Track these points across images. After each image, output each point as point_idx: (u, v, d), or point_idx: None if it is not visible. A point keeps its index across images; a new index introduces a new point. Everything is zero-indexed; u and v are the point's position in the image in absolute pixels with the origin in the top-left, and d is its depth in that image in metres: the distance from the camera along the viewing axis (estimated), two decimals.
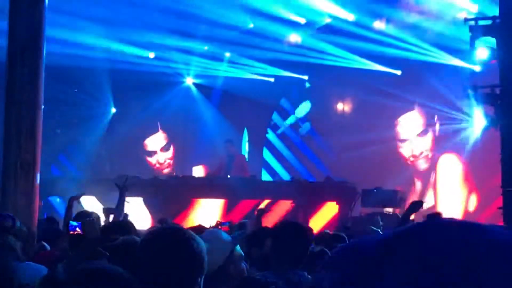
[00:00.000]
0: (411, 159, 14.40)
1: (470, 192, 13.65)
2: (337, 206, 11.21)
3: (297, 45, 14.84)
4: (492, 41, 8.94)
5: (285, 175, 15.20)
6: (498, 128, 8.73)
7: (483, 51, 8.92)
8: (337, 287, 0.76)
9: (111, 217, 6.99)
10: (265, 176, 15.21)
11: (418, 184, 14.24)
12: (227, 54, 15.66)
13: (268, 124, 16.00)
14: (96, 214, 7.66)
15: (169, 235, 2.39)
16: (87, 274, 2.16)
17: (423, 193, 14.08)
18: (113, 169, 14.37)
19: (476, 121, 11.97)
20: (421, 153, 14.32)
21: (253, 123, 15.76)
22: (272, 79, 15.71)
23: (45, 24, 6.61)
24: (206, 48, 15.41)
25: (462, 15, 11.57)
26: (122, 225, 4.95)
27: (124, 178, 7.14)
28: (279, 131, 15.82)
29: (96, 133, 16.01)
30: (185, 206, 11.83)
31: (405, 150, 14.46)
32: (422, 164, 14.37)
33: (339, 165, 13.96)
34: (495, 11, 9.15)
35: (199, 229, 4.26)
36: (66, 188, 10.43)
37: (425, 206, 13.36)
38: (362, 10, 13.39)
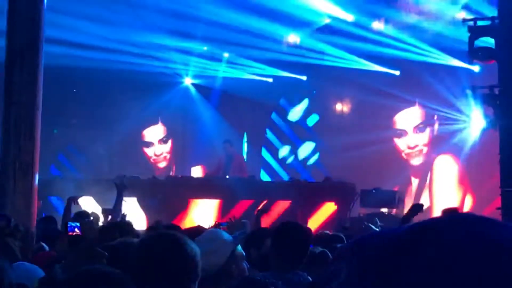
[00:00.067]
0: (407, 151, 14.36)
1: (465, 193, 13.65)
2: (336, 206, 11.21)
3: (296, 46, 14.84)
4: (491, 41, 8.94)
5: (284, 175, 15.20)
6: (497, 129, 8.73)
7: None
8: (355, 278, 0.76)
9: (109, 217, 6.98)
10: (264, 177, 15.21)
11: (414, 185, 14.24)
12: (226, 55, 15.66)
13: (267, 124, 16.00)
14: (96, 214, 7.66)
15: (164, 241, 2.39)
16: (86, 276, 2.16)
17: (418, 194, 14.09)
18: (112, 169, 14.35)
19: (475, 122, 11.98)
20: (416, 146, 14.28)
21: (252, 124, 15.76)
22: (270, 80, 15.71)
23: (44, 25, 6.60)
24: (205, 48, 15.41)
25: (460, 16, 11.59)
26: (121, 225, 4.95)
27: (122, 177, 7.13)
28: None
29: (95, 134, 15.99)
30: (184, 206, 11.83)
31: (401, 142, 14.45)
32: (416, 160, 14.31)
33: (338, 166, 13.95)
34: (494, 11, 9.16)
35: (198, 229, 4.26)
36: (65, 189, 10.42)
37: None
38: (361, 11, 13.39)
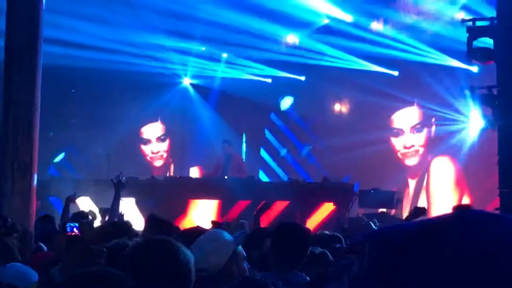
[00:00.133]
0: (402, 150, 14.34)
1: (463, 195, 13.65)
2: (334, 206, 11.20)
3: (294, 46, 14.84)
4: (489, 42, 8.94)
5: (282, 176, 15.20)
6: (495, 129, 8.73)
7: None
8: (367, 271, 0.75)
9: (107, 216, 6.96)
10: (263, 177, 15.20)
11: (412, 187, 14.23)
12: (225, 55, 15.66)
13: (266, 125, 15.99)
14: (93, 213, 7.65)
15: (157, 247, 2.39)
16: (84, 278, 2.14)
17: (416, 195, 14.09)
18: (110, 169, 14.34)
19: (473, 122, 11.98)
20: (412, 146, 14.27)
21: (251, 124, 15.75)
22: (269, 80, 15.71)
23: (43, 25, 6.59)
24: (203, 48, 15.40)
25: (459, 16, 11.59)
26: (119, 225, 4.94)
27: (119, 175, 7.06)
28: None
29: (94, 134, 15.97)
30: (182, 206, 11.81)
31: (397, 142, 14.44)
32: (412, 160, 14.29)
33: (336, 166, 13.95)
34: (492, 12, 9.16)
35: (197, 230, 4.25)
36: (64, 189, 10.40)
37: None
38: (360, 11, 13.39)
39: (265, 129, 16.01)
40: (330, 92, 15.23)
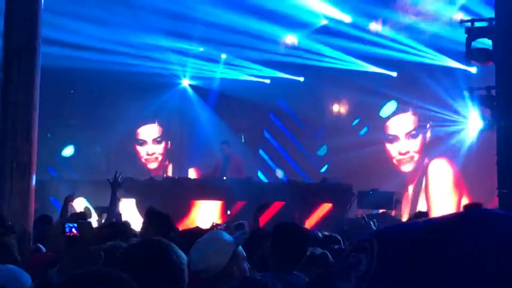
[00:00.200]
0: (398, 157, 14.34)
1: (461, 196, 13.65)
2: (333, 207, 11.20)
3: (293, 47, 14.84)
4: (488, 42, 8.94)
5: (279, 174, 15.19)
6: (494, 130, 8.74)
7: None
8: (376, 270, 0.75)
9: (104, 216, 6.95)
10: (262, 178, 15.20)
11: (410, 189, 14.23)
12: (223, 56, 15.65)
13: (265, 126, 15.99)
14: (88, 209, 7.62)
15: (149, 247, 2.39)
16: (82, 279, 2.13)
17: (415, 197, 14.09)
18: (109, 170, 14.33)
19: (472, 123, 11.98)
20: (407, 152, 14.26)
21: (250, 125, 15.75)
22: (268, 81, 15.71)
23: (41, 25, 6.59)
24: (202, 49, 15.40)
25: (458, 17, 11.59)
26: (118, 225, 4.93)
27: (116, 174, 7.05)
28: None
29: (93, 134, 15.97)
30: (181, 207, 11.80)
31: (392, 148, 14.43)
32: (407, 166, 14.29)
33: (335, 167, 13.95)
34: (491, 12, 9.17)
35: (197, 230, 4.25)
36: (62, 189, 10.40)
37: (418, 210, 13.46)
38: (358, 12, 13.39)
39: (264, 130, 16.01)
40: (328, 93, 15.23)
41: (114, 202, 6.81)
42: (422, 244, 0.73)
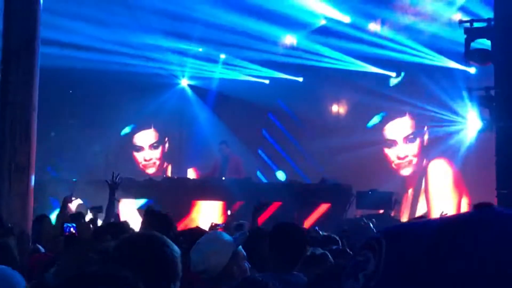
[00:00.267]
0: (396, 161, 14.36)
1: (461, 197, 13.65)
2: (332, 207, 11.20)
3: (292, 47, 14.84)
4: (487, 43, 8.95)
5: (280, 177, 15.19)
6: (493, 131, 8.74)
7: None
8: (384, 270, 0.74)
9: (100, 216, 6.96)
10: (261, 178, 15.19)
11: (410, 191, 14.23)
12: (222, 56, 15.65)
13: (264, 126, 15.99)
14: (84, 207, 7.58)
15: (142, 241, 2.38)
16: (80, 280, 2.12)
17: (415, 198, 14.09)
18: (108, 170, 14.32)
19: (471, 124, 11.99)
20: (406, 156, 14.29)
21: (248, 125, 15.74)
22: (267, 81, 15.71)
23: (40, 25, 6.58)
24: (201, 49, 15.40)
25: (457, 17, 11.59)
26: (116, 226, 4.93)
27: (113, 174, 7.05)
28: None
29: (92, 134, 15.96)
30: (180, 207, 11.80)
31: (391, 152, 14.45)
32: (406, 170, 14.31)
33: (334, 167, 13.94)
34: (490, 13, 9.17)
35: (197, 230, 4.25)
36: (61, 190, 10.39)
37: (418, 212, 13.47)
38: (357, 12, 13.39)
39: (263, 130, 16.00)
40: (327, 93, 15.23)
41: (113, 203, 6.83)
42: (432, 244, 0.72)
